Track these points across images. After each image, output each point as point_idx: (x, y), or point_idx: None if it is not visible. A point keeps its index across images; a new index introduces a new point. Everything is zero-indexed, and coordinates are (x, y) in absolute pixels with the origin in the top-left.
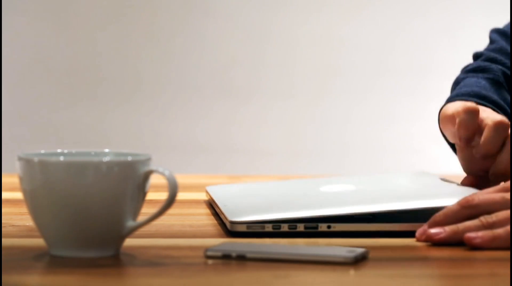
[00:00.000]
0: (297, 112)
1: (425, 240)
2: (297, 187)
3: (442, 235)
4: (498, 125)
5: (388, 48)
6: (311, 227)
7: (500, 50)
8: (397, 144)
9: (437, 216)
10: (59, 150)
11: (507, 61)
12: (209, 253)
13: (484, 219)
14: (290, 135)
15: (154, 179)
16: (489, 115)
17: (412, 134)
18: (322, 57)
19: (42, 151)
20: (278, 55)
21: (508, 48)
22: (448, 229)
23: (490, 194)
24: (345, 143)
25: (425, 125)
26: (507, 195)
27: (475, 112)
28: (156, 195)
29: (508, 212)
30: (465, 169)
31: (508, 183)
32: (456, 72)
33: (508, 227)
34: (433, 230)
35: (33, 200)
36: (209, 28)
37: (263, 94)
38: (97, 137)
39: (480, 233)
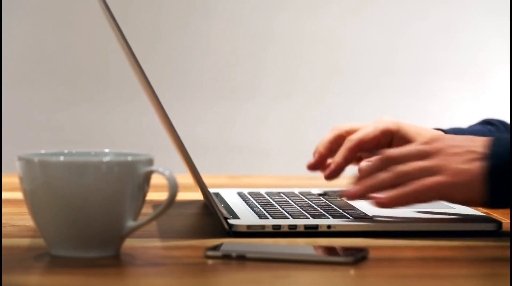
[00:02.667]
0: (298, 112)
1: (347, 198)
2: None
3: (358, 192)
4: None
5: (390, 49)
6: (311, 227)
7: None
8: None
9: (360, 174)
10: (59, 150)
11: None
12: (209, 253)
13: (396, 168)
14: (290, 135)
15: (154, 179)
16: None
17: None
18: (323, 57)
19: (42, 151)
20: (279, 55)
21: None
22: (363, 184)
23: (406, 147)
24: None
25: (425, 125)
26: (425, 147)
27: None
28: (156, 195)
29: (419, 163)
30: None
31: (429, 139)
32: (456, 72)
33: (413, 185)
34: (352, 189)
35: (33, 200)
36: (210, 29)
37: (264, 95)
38: (97, 137)
39: (388, 193)
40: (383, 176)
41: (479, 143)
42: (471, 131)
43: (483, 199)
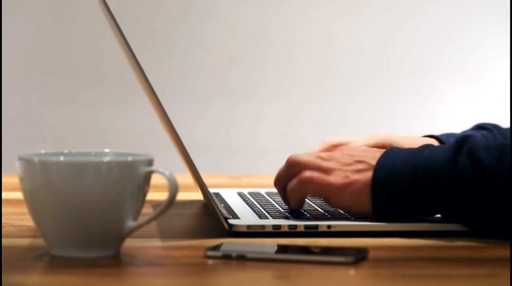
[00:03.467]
0: (296, 111)
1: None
2: None
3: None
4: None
5: (387, 48)
6: (311, 227)
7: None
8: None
9: (274, 181)
10: (59, 150)
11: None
12: (209, 253)
13: (289, 157)
14: (289, 135)
15: (154, 179)
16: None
17: (411, 134)
18: (321, 56)
19: (42, 151)
20: (277, 54)
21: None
22: (284, 198)
23: (310, 153)
24: None
25: (423, 125)
26: (322, 154)
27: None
28: (156, 195)
29: (317, 162)
30: None
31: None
32: (454, 72)
33: (293, 183)
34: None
35: (33, 200)
36: (208, 28)
37: (262, 94)
38: (97, 137)
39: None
40: (281, 169)
41: (373, 155)
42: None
43: (367, 208)
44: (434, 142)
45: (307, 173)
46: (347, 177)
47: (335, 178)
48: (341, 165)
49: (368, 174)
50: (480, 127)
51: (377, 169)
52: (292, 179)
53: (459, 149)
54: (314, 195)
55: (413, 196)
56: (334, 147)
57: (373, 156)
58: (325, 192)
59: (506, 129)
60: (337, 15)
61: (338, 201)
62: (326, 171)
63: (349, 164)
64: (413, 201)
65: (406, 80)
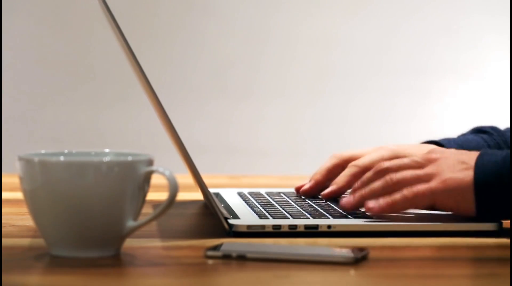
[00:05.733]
0: (295, 111)
1: (343, 208)
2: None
3: (351, 202)
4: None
5: (386, 48)
6: (311, 227)
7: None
8: (394, 142)
9: (355, 184)
10: (59, 150)
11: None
12: (209, 253)
13: (389, 177)
14: (288, 134)
15: (154, 179)
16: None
17: (409, 134)
18: (320, 56)
19: (42, 151)
20: (276, 54)
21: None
22: (357, 195)
23: (401, 159)
24: (343, 142)
25: (421, 124)
26: (417, 158)
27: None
28: (156, 195)
29: (411, 171)
30: None
31: (426, 152)
32: (452, 71)
33: (404, 191)
34: (345, 200)
35: (33, 200)
36: (207, 28)
37: (262, 94)
38: (97, 137)
39: (378, 201)
40: (375, 184)
41: (469, 155)
42: (464, 140)
43: (473, 208)
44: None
45: (406, 191)
46: (448, 178)
47: (435, 184)
48: (439, 168)
49: (470, 174)
50: (478, 130)
51: (478, 168)
52: (389, 193)
53: None
54: (419, 207)
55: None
56: (345, 161)
57: (471, 156)
58: (430, 200)
59: (505, 130)
60: (335, 15)
61: (443, 204)
62: (428, 178)
63: (451, 165)
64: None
65: (405, 80)
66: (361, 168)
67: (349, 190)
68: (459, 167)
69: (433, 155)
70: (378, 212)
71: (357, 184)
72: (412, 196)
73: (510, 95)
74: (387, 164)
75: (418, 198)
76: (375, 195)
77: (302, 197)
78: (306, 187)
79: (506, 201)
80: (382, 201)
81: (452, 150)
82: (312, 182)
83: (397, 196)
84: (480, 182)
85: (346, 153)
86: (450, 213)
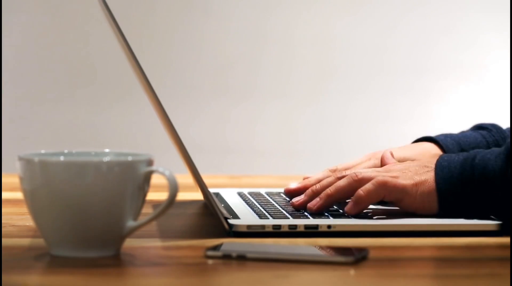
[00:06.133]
0: (295, 111)
1: (305, 210)
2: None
3: (319, 203)
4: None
5: (385, 47)
6: (311, 227)
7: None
8: (393, 143)
9: (314, 187)
10: (59, 150)
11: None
12: (209, 253)
13: (354, 173)
14: (288, 134)
15: (154, 179)
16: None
17: (408, 133)
18: (318, 56)
19: (42, 151)
20: (274, 54)
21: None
22: (323, 195)
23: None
24: (342, 142)
25: (420, 124)
26: (379, 169)
27: None
28: (156, 195)
29: (376, 171)
30: None
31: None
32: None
33: (379, 177)
34: (312, 202)
35: (33, 200)
36: (206, 28)
37: (261, 93)
38: (97, 137)
39: (352, 199)
40: (340, 182)
41: (431, 160)
42: (462, 136)
43: (436, 207)
44: (432, 146)
45: (380, 178)
46: (414, 178)
47: (406, 180)
48: (403, 172)
49: (432, 174)
50: (479, 127)
51: (438, 172)
52: (352, 190)
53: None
54: (387, 198)
55: (469, 200)
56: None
57: (431, 161)
58: (399, 194)
59: (506, 129)
60: (334, 15)
61: (411, 202)
62: (395, 176)
63: (410, 170)
64: (470, 204)
65: (404, 79)
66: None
67: (301, 196)
68: (422, 170)
69: (392, 166)
70: (356, 210)
71: (315, 187)
72: (384, 185)
73: (510, 95)
74: (349, 171)
75: (388, 188)
76: (342, 192)
77: (287, 198)
78: (292, 187)
79: (467, 198)
80: (355, 197)
81: (411, 163)
82: (301, 185)
83: (367, 185)
84: (440, 182)
85: (340, 165)
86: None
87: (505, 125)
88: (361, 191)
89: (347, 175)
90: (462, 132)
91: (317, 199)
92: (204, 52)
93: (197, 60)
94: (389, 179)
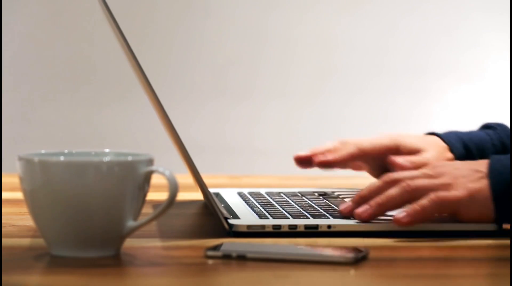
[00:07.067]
0: (295, 111)
1: (354, 218)
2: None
3: (369, 211)
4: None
5: (384, 47)
6: (311, 227)
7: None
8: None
9: (361, 192)
10: (59, 150)
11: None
12: (209, 253)
13: (405, 183)
14: (288, 134)
15: (154, 179)
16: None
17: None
18: (318, 56)
19: (42, 151)
20: (274, 54)
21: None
22: (373, 203)
23: (411, 171)
24: None
25: (420, 124)
26: (428, 171)
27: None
28: (156, 195)
29: (427, 179)
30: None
31: (429, 165)
32: (452, 71)
33: (432, 196)
34: (360, 209)
35: (33, 200)
36: (206, 28)
37: (261, 93)
38: (97, 137)
39: (407, 210)
40: (391, 191)
41: (479, 163)
42: (466, 134)
43: (493, 216)
44: (439, 139)
45: (434, 196)
46: (468, 187)
47: (460, 191)
48: (455, 178)
49: (486, 182)
50: (486, 126)
51: (493, 175)
52: (406, 202)
53: None
54: (442, 213)
55: None
56: (346, 144)
57: (483, 165)
58: (454, 208)
59: None
60: (333, 14)
61: (466, 213)
62: (447, 187)
63: (463, 176)
64: None
65: (403, 79)
66: (359, 149)
67: (348, 199)
68: (475, 176)
69: (441, 168)
70: (409, 223)
71: (363, 192)
72: (440, 202)
73: (510, 95)
74: (396, 175)
75: (444, 204)
76: (393, 202)
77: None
78: (302, 154)
79: None
80: (410, 210)
81: (460, 162)
82: (309, 151)
83: (424, 201)
84: (497, 189)
85: (350, 139)
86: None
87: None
88: (418, 206)
89: (398, 183)
90: (471, 132)
91: (367, 206)
92: (204, 52)
93: (197, 60)
94: (444, 195)
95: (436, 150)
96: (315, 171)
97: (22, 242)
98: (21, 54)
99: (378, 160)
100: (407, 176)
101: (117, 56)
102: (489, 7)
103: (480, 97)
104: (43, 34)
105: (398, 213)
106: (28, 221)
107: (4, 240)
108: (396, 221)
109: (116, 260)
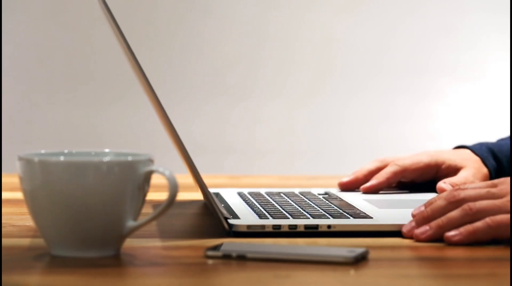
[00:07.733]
0: (295, 111)
1: (413, 238)
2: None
3: (428, 233)
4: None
5: (384, 47)
6: (311, 227)
7: None
8: (393, 142)
9: (425, 212)
10: (59, 150)
11: None
12: (209, 253)
13: (467, 206)
14: (288, 134)
15: (154, 179)
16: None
17: (408, 133)
18: (318, 56)
19: (42, 151)
20: (274, 54)
21: None
22: (433, 224)
23: (476, 189)
24: (342, 142)
25: (420, 124)
26: (493, 189)
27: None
28: (156, 195)
29: (490, 201)
30: None
31: (495, 180)
32: (452, 72)
33: (487, 219)
34: (420, 230)
35: (33, 200)
36: (206, 28)
37: (261, 93)
38: (97, 137)
39: (459, 230)
40: (453, 214)
41: None
42: (496, 144)
43: None
44: (471, 153)
45: (488, 219)
46: None
47: None
48: None
49: None
50: None
51: None
52: (466, 223)
53: None
54: (500, 237)
55: None
56: (387, 164)
57: None
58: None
59: None
60: (333, 14)
61: None
62: (506, 210)
63: None
64: None
65: (403, 79)
66: (401, 167)
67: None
68: None
69: (506, 186)
70: (459, 241)
71: (426, 211)
72: (496, 226)
73: (510, 95)
74: (461, 194)
75: (501, 228)
76: (453, 224)
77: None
78: (345, 180)
79: None
80: (463, 229)
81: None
82: (352, 177)
83: (479, 224)
84: None
85: (389, 158)
86: None
87: (505, 126)
88: (471, 227)
89: (460, 204)
90: (499, 140)
91: (427, 227)
92: (204, 52)
93: (197, 60)
94: (500, 219)
95: (473, 166)
96: (315, 171)
97: (22, 242)
98: (21, 54)
99: (417, 178)
100: (471, 196)
101: (117, 56)
102: (489, 7)
103: (480, 97)
104: (43, 34)
105: (451, 232)
106: (28, 221)
107: (4, 240)
108: (447, 239)
109: (116, 260)
